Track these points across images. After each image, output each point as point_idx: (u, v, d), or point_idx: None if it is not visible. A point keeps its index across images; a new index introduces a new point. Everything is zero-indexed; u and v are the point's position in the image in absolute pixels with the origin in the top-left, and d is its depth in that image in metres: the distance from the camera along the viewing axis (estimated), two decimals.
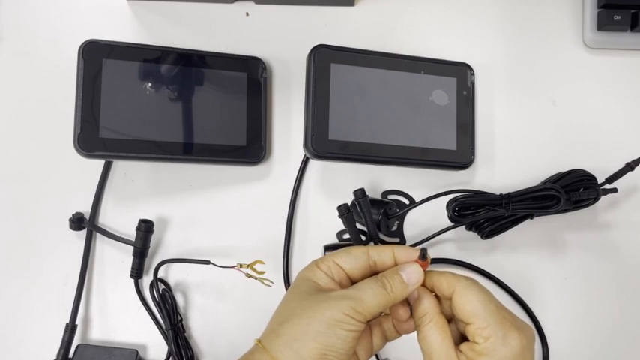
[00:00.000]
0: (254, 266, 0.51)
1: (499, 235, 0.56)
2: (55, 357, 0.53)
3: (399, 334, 0.45)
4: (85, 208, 0.57)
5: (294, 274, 0.57)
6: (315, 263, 0.43)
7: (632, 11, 0.59)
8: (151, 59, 0.55)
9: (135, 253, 0.55)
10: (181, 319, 0.55)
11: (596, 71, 0.61)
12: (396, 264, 0.43)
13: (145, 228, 0.54)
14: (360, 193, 0.53)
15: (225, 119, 0.57)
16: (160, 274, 0.55)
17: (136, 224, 0.54)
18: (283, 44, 0.60)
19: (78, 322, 0.55)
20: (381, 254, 0.43)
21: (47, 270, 0.56)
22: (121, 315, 0.56)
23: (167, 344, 0.55)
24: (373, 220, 0.54)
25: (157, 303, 0.55)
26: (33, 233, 0.57)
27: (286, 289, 0.57)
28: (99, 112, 0.53)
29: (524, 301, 0.57)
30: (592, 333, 0.57)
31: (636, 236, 0.59)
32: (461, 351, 0.40)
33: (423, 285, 0.43)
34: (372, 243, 0.55)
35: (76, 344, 0.54)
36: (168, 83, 0.55)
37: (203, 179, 0.58)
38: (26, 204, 0.57)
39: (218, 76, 0.57)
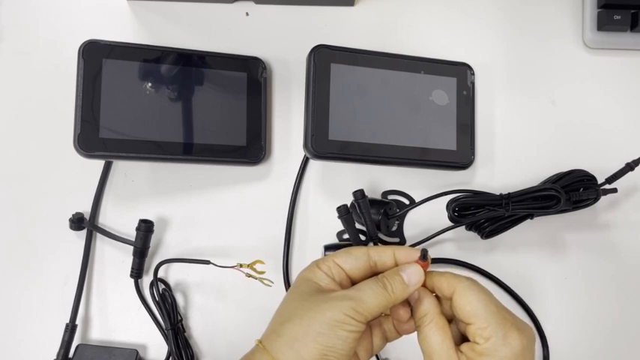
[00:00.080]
0: (254, 266, 0.51)
1: (499, 235, 0.56)
2: (55, 357, 0.53)
3: (399, 334, 0.45)
4: (85, 208, 0.57)
5: (294, 274, 0.57)
6: (316, 264, 0.43)
7: (632, 11, 0.59)
8: (151, 59, 0.55)
9: (135, 253, 0.55)
10: (181, 319, 0.55)
11: (596, 71, 0.61)
12: (396, 264, 0.43)
13: (145, 228, 0.54)
14: (359, 194, 0.53)
15: (225, 119, 0.57)
16: (160, 274, 0.55)
17: (136, 224, 0.54)
18: (283, 44, 0.60)
19: (78, 322, 0.55)
20: (381, 255, 0.43)
21: (47, 270, 0.56)
22: (121, 315, 0.56)
23: (167, 344, 0.55)
24: (373, 220, 0.54)
25: (156, 303, 0.55)
26: (33, 233, 0.57)
27: (286, 289, 0.57)
28: (99, 112, 0.53)
29: (524, 301, 0.57)
30: (592, 333, 0.57)
31: (636, 236, 0.59)
32: (461, 351, 0.40)
33: (424, 285, 0.43)
34: (371, 243, 0.55)
35: (76, 344, 0.54)
36: (168, 83, 0.55)
37: (203, 179, 0.58)
38: (26, 204, 0.57)
39: (218, 76, 0.57)
